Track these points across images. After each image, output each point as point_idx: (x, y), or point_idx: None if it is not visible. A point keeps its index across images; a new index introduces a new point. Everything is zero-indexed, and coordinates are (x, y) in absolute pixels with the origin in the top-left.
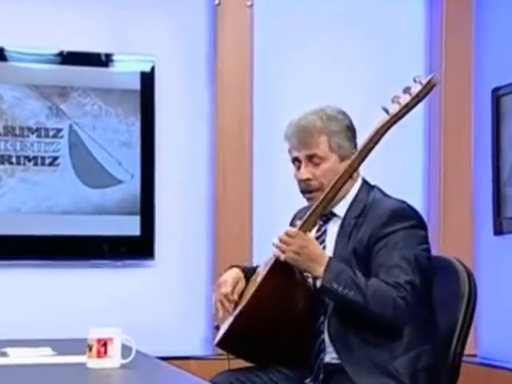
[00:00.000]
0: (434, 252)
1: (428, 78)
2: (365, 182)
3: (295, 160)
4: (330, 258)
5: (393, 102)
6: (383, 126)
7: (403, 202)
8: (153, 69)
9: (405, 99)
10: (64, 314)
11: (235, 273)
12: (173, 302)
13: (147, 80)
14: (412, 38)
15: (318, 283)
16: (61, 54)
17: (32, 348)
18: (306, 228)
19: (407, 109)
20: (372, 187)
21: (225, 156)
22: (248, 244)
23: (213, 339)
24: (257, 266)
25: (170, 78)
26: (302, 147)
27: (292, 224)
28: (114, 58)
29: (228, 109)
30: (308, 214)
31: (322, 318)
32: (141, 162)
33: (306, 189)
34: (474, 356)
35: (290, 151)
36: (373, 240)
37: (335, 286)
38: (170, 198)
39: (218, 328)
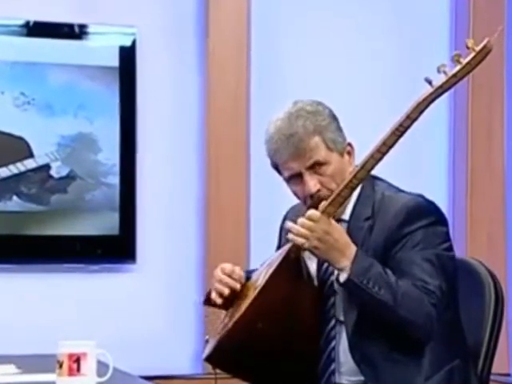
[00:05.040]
0: (460, 254)
1: (484, 43)
2: None
3: (292, 176)
4: (358, 250)
5: (438, 71)
6: (424, 100)
7: (419, 195)
8: (134, 42)
9: (453, 68)
10: (30, 326)
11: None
12: (157, 312)
13: (127, 55)
14: (437, 13)
15: (342, 277)
16: (27, 24)
17: None
18: (329, 212)
19: (455, 79)
20: (373, 178)
21: (218, 143)
22: (244, 246)
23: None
24: (252, 271)
25: (153, 53)
26: (298, 159)
27: (282, 227)
28: (89, 29)
29: (221, 88)
30: (333, 195)
31: (332, 322)
32: (120, 151)
33: (317, 201)
34: (507, 375)
35: (279, 169)
36: (389, 243)
37: (364, 281)
38: (154, 193)
39: (208, 342)
